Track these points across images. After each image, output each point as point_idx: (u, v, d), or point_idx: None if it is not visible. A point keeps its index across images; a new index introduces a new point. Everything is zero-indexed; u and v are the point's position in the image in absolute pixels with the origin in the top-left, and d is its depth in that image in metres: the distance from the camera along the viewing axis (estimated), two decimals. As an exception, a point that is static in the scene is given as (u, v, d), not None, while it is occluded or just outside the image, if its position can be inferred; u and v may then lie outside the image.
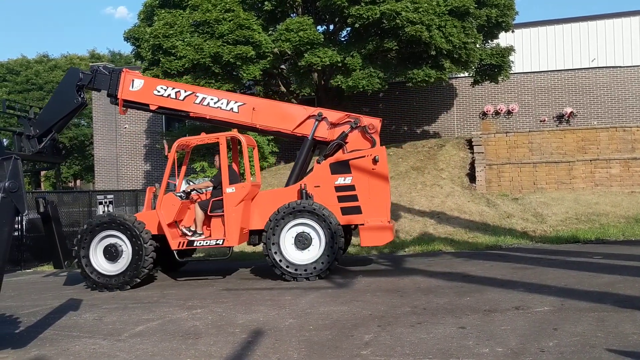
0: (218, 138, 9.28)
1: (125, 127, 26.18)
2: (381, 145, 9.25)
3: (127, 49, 61.98)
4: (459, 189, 15.03)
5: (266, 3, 17.68)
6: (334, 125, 9.47)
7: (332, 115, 9.60)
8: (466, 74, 20.77)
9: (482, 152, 15.69)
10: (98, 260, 8.98)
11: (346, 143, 9.31)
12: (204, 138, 9.56)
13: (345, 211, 8.96)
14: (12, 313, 7.33)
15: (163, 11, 18.70)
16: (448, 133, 22.93)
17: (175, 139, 22.02)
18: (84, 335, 6.03)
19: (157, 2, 19.38)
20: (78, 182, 49.52)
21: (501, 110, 22.62)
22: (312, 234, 8.74)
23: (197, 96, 9.78)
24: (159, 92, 9.84)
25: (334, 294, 7.55)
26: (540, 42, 22.80)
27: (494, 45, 20.43)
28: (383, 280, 8.40)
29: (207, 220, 9.26)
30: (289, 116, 9.69)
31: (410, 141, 19.88)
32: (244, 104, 9.70)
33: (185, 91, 9.84)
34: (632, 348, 4.53)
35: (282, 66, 19.61)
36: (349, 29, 19.02)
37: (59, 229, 9.35)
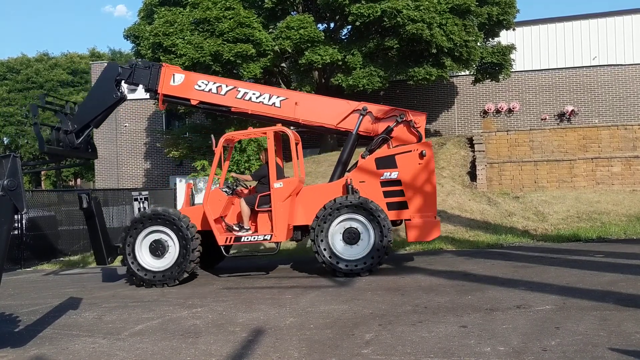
0: (265, 132, 9.20)
1: (126, 126, 26.16)
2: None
3: (127, 47, 62.01)
4: (460, 188, 14.99)
5: (266, 1, 17.67)
6: (378, 119, 9.35)
7: (377, 109, 9.46)
8: (467, 72, 20.75)
9: (483, 151, 15.64)
10: (143, 256, 8.89)
11: (391, 138, 9.23)
12: (250, 132, 9.49)
13: (391, 206, 8.87)
14: (11, 312, 7.30)
15: (163, 9, 18.68)
16: (449, 131, 22.90)
17: (174, 137, 22.03)
18: (84, 334, 6.00)
19: (157, 0, 19.35)
20: (78, 180, 49.51)
21: (502, 109, 22.60)
22: (361, 229, 8.63)
23: (239, 91, 9.67)
24: (200, 86, 9.73)
25: (334, 293, 7.52)
26: (542, 40, 22.75)
27: (495, 43, 20.41)
28: (384, 278, 8.37)
29: (253, 216, 9.15)
30: (332, 111, 9.56)
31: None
32: (287, 98, 9.60)
33: (226, 86, 9.74)
34: (635, 347, 4.49)
35: (283, 64, 19.60)
36: (349, 27, 19.03)
37: (102, 224, 9.27)
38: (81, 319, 6.83)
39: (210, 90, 9.70)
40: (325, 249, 8.60)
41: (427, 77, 16.81)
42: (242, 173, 18.97)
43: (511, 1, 19.06)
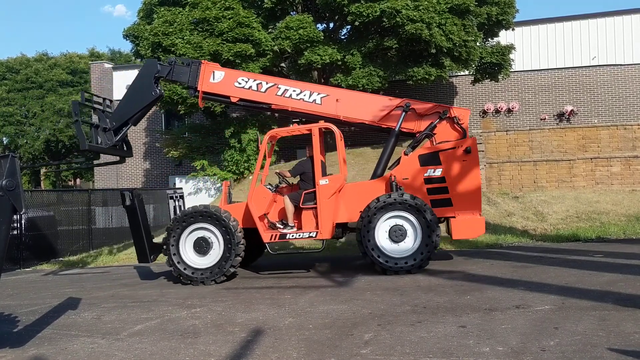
0: (310, 129, 9.14)
1: (125, 126, 26.14)
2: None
3: (126, 47, 61.98)
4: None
5: (266, 1, 17.66)
6: (421, 115, 9.29)
7: (420, 106, 9.41)
8: (466, 72, 20.74)
9: (483, 151, 15.63)
10: (187, 254, 8.86)
11: (434, 134, 9.20)
12: (295, 129, 9.45)
13: (435, 204, 8.78)
14: (10, 312, 7.30)
15: (162, 9, 18.68)
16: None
17: (173, 137, 22.01)
18: (83, 335, 6.00)
19: (156, 0, 19.35)
20: (78, 180, 49.50)
21: (501, 109, 22.59)
22: (407, 226, 8.58)
23: (279, 88, 9.62)
24: (240, 84, 9.68)
25: (333, 293, 7.52)
26: (541, 40, 22.76)
27: (494, 43, 20.41)
28: (383, 278, 8.37)
29: (296, 213, 9.12)
30: (374, 107, 9.50)
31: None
32: (327, 95, 9.55)
33: (267, 83, 9.69)
34: (634, 347, 4.49)
35: (282, 64, 19.59)
36: (349, 27, 19.02)
37: (145, 222, 9.26)
38: (80, 319, 6.83)
39: (250, 87, 9.65)
40: (373, 249, 8.54)
41: (427, 77, 16.81)
42: (242, 173, 19.00)
43: (510, 1, 19.05)
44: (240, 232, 8.78)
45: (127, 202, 8.94)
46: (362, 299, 6.95)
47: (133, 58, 27.61)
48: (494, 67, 19.94)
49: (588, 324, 5.22)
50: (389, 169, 9.42)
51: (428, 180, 8.88)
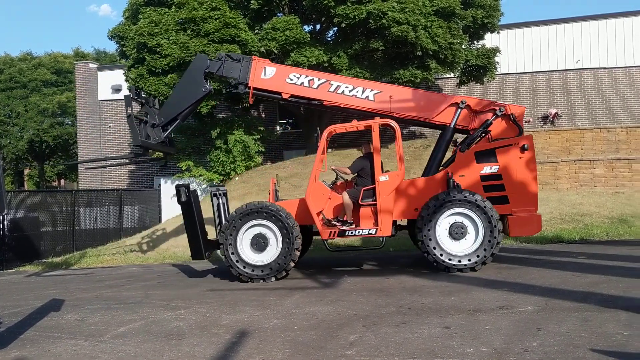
0: (370, 125, 9.06)
1: (110, 126, 25.97)
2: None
3: (111, 47, 61.59)
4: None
5: (252, 2, 17.62)
6: (476, 112, 9.22)
7: (475, 102, 9.34)
8: (452, 75, 20.84)
9: (468, 153, 15.72)
10: (244, 251, 8.80)
11: (490, 131, 9.10)
12: (353, 125, 9.34)
13: (491, 201, 8.67)
14: (-8, 314, 7.22)
15: (148, 9, 18.57)
16: (434, 134, 22.90)
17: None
18: (66, 336, 5.94)
19: (142, 0, 19.23)
20: (62, 181, 49.06)
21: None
22: (467, 223, 8.51)
23: (332, 84, 9.56)
24: (291, 80, 9.61)
25: (319, 294, 7.52)
26: (526, 43, 22.94)
27: (479, 46, 20.53)
28: (369, 279, 8.39)
29: (353, 210, 9.04)
30: (429, 104, 9.43)
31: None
32: (380, 91, 9.50)
33: (319, 79, 9.62)
34: (616, 348, 4.54)
35: (269, 65, 19.51)
36: (335, 28, 19.03)
37: (201, 218, 9.16)
38: (63, 320, 6.76)
39: (302, 83, 9.58)
40: (435, 247, 8.50)
41: (412, 79, 16.87)
42: (228, 174, 18.92)
43: (496, 4, 19.20)
44: (297, 227, 8.76)
45: (183, 198, 8.87)
46: (348, 300, 6.96)
47: (118, 58, 27.40)
48: (480, 69, 20.07)
49: (571, 324, 5.28)
50: (443, 166, 9.40)
51: (484, 177, 8.85)
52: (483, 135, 9.07)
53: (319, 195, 9.00)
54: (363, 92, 9.47)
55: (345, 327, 5.68)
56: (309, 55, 16.65)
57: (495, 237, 8.36)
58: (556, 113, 22.31)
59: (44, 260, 13.60)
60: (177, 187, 8.92)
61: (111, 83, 25.64)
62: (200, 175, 19.25)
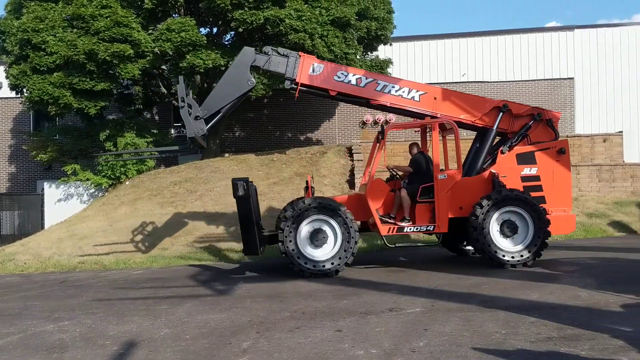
0: (430, 123, 9.37)
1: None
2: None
3: (-10, 40, 57.08)
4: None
5: (146, 1, 17.08)
6: (517, 116, 9.65)
7: (517, 107, 9.79)
8: (347, 84, 21.32)
9: (361, 160, 16.17)
10: (304, 247, 8.78)
11: (528, 135, 9.53)
12: (413, 124, 9.70)
13: None
14: None
15: (33, 3, 17.49)
16: (330, 140, 23.40)
17: (43, 140, 20.54)
18: None
19: (26, -8, 18.05)
20: None
21: (379, 120, 23.44)
22: (517, 220, 8.84)
23: (378, 84, 9.71)
24: (339, 77, 9.68)
25: (212, 302, 7.39)
26: (417, 56, 24.02)
27: (373, 57, 21.19)
28: (264, 285, 8.37)
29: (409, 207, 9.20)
30: (472, 106, 9.74)
31: (294, 147, 20.05)
32: (426, 93, 9.74)
33: (366, 78, 9.75)
34: (495, 346, 4.84)
35: (163, 67, 19.00)
36: (232, 32, 18.88)
37: (257, 213, 8.91)
38: None
39: (349, 82, 9.69)
40: (489, 244, 8.75)
41: (309, 86, 17.10)
42: (118, 178, 18.14)
43: (389, 17, 19.92)
44: (357, 226, 8.88)
45: (241, 192, 8.56)
46: (242, 307, 6.90)
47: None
48: (373, 79, 20.70)
49: (454, 325, 5.57)
50: (484, 167, 9.67)
51: (524, 178, 9.33)
52: (523, 138, 9.63)
53: (378, 191, 9.27)
54: (409, 92, 9.79)
55: (238, 334, 5.62)
56: (205, 58, 16.40)
57: (545, 232, 8.83)
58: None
59: None
60: (235, 181, 8.69)
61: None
62: (88, 180, 18.30)
